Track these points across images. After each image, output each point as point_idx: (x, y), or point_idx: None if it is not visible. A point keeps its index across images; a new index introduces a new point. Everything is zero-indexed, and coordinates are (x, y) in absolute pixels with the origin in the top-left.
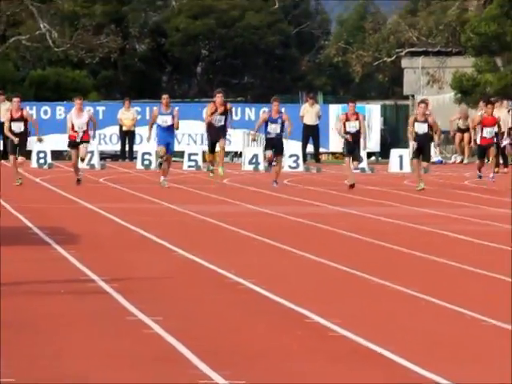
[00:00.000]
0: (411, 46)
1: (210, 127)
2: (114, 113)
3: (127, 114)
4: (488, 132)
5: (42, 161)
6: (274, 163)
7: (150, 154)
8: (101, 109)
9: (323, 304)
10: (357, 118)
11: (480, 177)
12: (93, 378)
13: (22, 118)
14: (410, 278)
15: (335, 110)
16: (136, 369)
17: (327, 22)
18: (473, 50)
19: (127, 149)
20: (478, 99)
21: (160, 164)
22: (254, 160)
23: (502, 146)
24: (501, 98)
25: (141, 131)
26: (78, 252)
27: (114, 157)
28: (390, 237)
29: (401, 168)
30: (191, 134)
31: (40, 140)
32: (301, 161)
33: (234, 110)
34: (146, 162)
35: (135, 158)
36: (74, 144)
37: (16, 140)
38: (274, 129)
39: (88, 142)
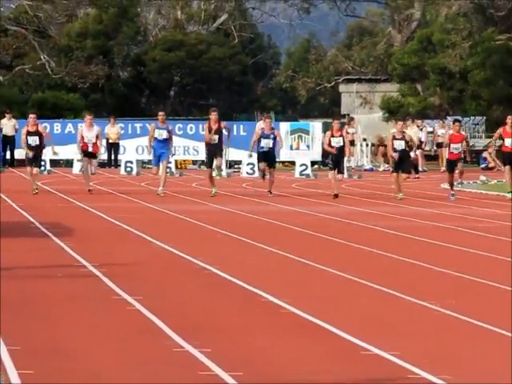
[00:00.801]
0: (347, 74)
1: (207, 144)
2: (101, 128)
3: (112, 129)
4: (455, 148)
5: (42, 168)
6: (267, 175)
7: (131, 162)
8: None
9: (276, 286)
10: (341, 135)
11: (451, 185)
12: (84, 347)
13: (37, 132)
14: (350, 265)
15: (285, 127)
16: (120, 339)
17: (278, 55)
18: (398, 77)
19: (113, 158)
20: (396, 119)
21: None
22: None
23: (411, 156)
24: (412, 118)
25: (124, 143)
26: (72, 243)
27: (101, 164)
28: (332, 231)
29: None
30: None
31: (55, 153)
32: (256, 168)
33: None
34: (128, 169)
35: (119, 165)
36: (86, 153)
37: (31, 154)
38: (266, 143)
39: (97, 156)
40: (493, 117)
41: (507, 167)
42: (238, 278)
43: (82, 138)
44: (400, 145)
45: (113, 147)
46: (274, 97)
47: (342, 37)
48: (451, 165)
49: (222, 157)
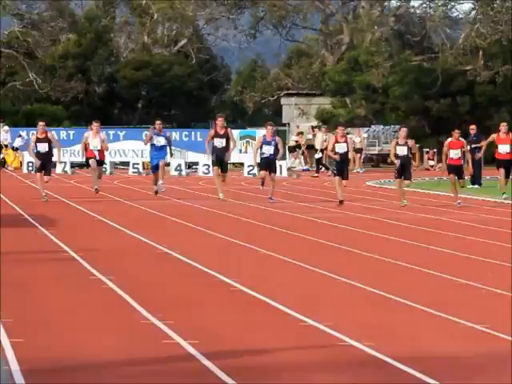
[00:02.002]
0: (287, 89)
1: (214, 148)
2: (80, 135)
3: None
4: (455, 154)
5: (30, 168)
6: (264, 185)
7: (105, 163)
8: (71, 132)
9: (227, 268)
10: (345, 141)
11: (455, 191)
12: (66, 318)
13: (46, 139)
14: (291, 250)
15: (235, 133)
16: (96, 312)
17: (229, 73)
18: (330, 92)
19: None
20: (334, 126)
21: (156, 192)
22: (178, 168)
23: (317, 157)
24: (326, 127)
25: None
26: (55, 231)
27: (80, 166)
28: (276, 222)
29: (280, 173)
30: (134, 150)
31: (60, 162)
32: (211, 168)
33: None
34: (103, 169)
35: None
36: (92, 158)
37: (38, 162)
38: (267, 150)
39: (104, 162)
40: (409, 125)
41: (502, 170)
42: (195, 261)
43: (87, 144)
44: (402, 151)
45: None
46: (226, 108)
47: (283, 58)
48: (452, 169)
49: (227, 167)
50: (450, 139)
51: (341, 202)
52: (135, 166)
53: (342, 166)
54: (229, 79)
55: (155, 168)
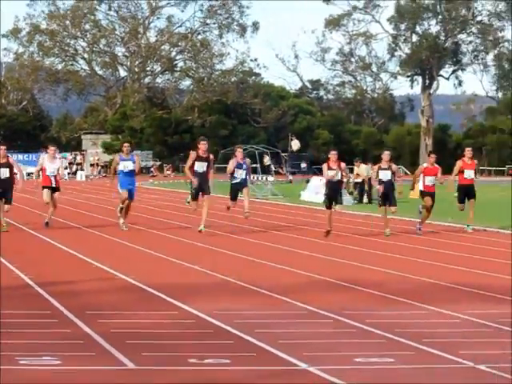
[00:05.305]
0: (86, 129)
1: (196, 173)
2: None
3: None
4: (429, 180)
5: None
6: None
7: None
8: None
9: (66, 240)
10: (338, 166)
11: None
12: None
13: (7, 164)
14: (102, 228)
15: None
16: None
17: (52, 120)
18: (110, 131)
19: None
20: (115, 151)
21: (121, 209)
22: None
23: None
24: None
25: None
26: None
27: None
28: (94, 210)
29: (81, 178)
30: None
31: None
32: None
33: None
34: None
35: None
36: (48, 187)
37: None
38: (240, 174)
39: (59, 189)
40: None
41: (467, 201)
42: (55, 241)
43: (44, 169)
44: (386, 175)
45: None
46: (50, 141)
47: (82, 112)
48: (426, 196)
49: (209, 191)
50: (425, 164)
51: (328, 231)
52: None
53: (335, 194)
54: (51, 124)
55: (129, 196)
